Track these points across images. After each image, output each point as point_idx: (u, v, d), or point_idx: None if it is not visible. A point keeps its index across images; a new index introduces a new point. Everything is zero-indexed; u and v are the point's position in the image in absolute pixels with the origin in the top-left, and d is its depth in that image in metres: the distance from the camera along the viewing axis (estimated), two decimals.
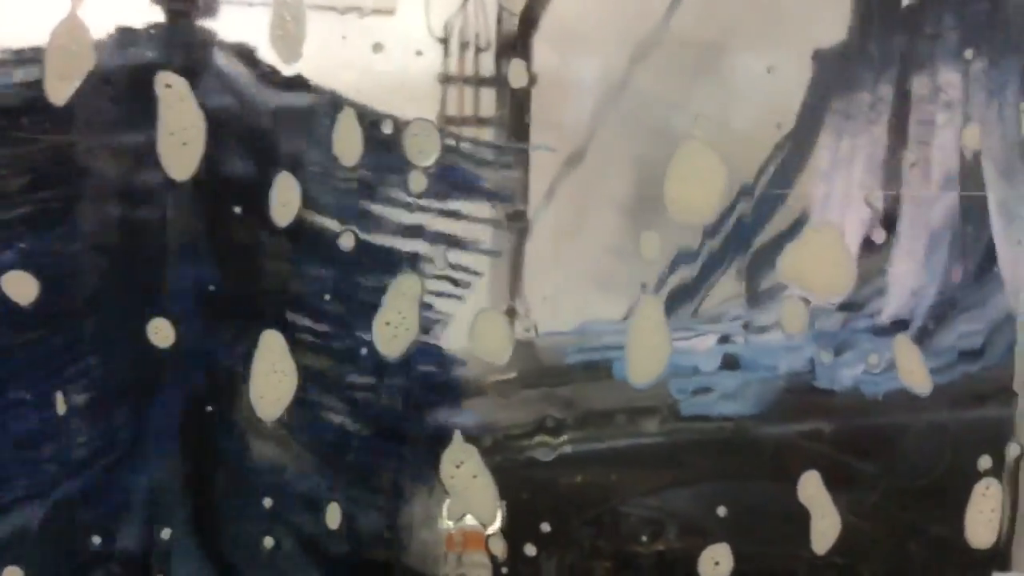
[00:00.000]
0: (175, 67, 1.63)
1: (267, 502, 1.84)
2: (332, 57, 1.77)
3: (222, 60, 1.79)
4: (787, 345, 2.27)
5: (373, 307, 1.71)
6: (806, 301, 1.77)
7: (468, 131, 2.18)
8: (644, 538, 2.10)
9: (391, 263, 1.81)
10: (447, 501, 1.75)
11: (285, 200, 1.66)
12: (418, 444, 1.90)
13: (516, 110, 2.21)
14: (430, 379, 1.90)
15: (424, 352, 1.82)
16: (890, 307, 2.28)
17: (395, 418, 1.91)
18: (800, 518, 1.77)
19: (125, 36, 1.74)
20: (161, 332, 1.68)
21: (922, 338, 2.16)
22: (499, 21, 2.23)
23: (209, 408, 1.82)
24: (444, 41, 2.18)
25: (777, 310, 1.87)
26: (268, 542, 1.84)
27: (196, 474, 1.88)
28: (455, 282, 1.86)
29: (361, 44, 1.77)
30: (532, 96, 2.23)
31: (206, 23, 1.78)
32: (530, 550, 1.82)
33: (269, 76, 1.79)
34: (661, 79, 2.38)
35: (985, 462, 1.72)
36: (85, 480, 1.82)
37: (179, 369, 1.79)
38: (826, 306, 2.13)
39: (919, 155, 2.33)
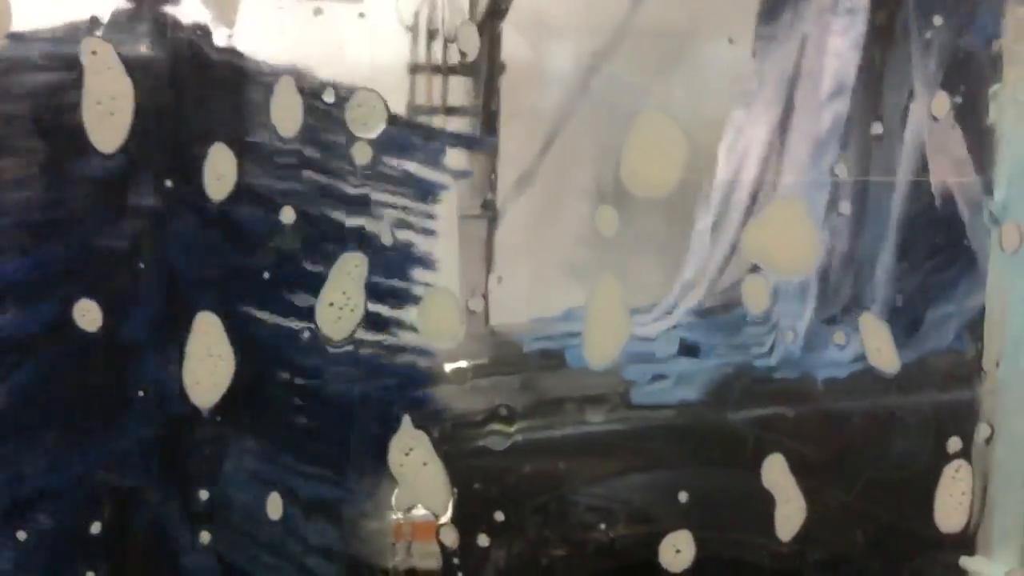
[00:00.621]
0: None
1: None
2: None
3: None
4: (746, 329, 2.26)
5: (316, 287, 1.62)
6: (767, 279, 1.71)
7: (437, 120, 2.17)
8: (602, 526, 2.06)
9: (336, 240, 1.74)
10: (396, 490, 1.66)
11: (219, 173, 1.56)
12: (365, 430, 1.82)
13: (486, 99, 2.21)
14: (379, 363, 1.83)
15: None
16: None
17: (340, 403, 1.82)
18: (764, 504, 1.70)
19: None
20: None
21: None
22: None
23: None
24: (412, 30, 2.15)
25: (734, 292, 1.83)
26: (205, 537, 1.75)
27: None
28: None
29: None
30: (501, 85, 2.23)
31: None
32: (483, 540, 1.75)
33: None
34: (630, 67, 2.40)
35: (955, 444, 1.66)
36: None
37: None
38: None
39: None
